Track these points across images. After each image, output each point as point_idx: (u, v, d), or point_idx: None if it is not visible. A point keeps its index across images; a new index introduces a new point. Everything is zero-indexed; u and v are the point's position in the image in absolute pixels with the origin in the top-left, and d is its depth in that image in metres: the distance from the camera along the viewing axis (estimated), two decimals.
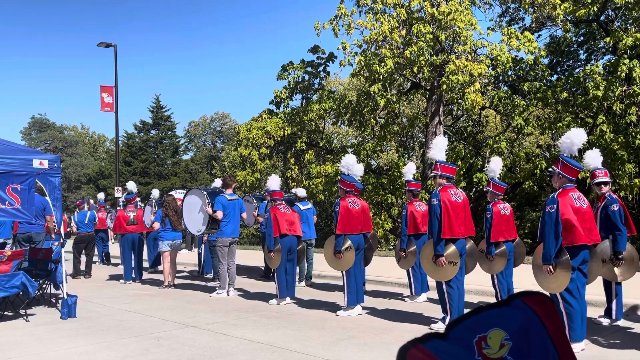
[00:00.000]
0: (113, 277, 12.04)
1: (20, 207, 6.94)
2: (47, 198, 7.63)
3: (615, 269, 5.93)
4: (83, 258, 12.29)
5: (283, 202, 8.41)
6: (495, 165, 7.01)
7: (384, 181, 15.82)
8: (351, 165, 7.31)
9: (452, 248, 5.94)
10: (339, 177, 7.53)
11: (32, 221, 8.16)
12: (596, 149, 6.36)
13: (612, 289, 6.17)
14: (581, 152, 5.69)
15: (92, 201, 13.76)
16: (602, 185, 6.08)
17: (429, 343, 1.08)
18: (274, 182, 8.54)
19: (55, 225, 9.29)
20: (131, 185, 12.17)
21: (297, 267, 9.89)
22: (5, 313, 7.26)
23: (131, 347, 5.54)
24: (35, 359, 5.20)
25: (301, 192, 10.38)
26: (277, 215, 8.04)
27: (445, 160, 6.28)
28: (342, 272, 7.17)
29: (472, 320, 1.14)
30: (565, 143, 5.28)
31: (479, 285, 8.19)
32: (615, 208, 5.86)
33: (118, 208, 12.79)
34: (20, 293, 7.07)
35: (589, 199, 5.86)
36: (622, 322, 6.17)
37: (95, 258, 15.83)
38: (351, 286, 7.07)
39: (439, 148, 6.31)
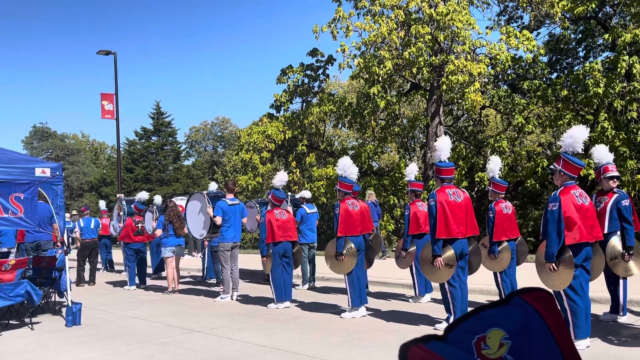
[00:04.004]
0: (117, 284, 12.06)
1: (23, 216, 6.97)
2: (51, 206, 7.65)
3: (630, 263, 5.90)
4: (87, 266, 12.29)
5: (280, 207, 8.36)
6: (495, 165, 7.00)
7: (385, 182, 15.82)
8: (347, 167, 7.33)
9: (450, 252, 5.95)
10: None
11: (35, 229, 8.18)
12: (601, 145, 6.36)
13: (619, 285, 6.16)
14: (587, 149, 5.70)
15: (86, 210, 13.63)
16: (615, 179, 6.10)
17: (430, 344, 1.09)
18: (279, 181, 8.40)
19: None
20: (143, 195, 12.13)
21: (300, 270, 9.92)
22: (11, 322, 7.27)
23: (137, 353, 5.55)
24: None
25: (308, 194, 10.47)
26: (271, 220, 8.01)
27: (442, 161, 6.27)
28: (344, 275, 7.18)
29: (471, 321, 1.15)
30: (567, 140, 5.28)
31: (483, 285, 8.19)
32: (627, 203, 5.89)
33: (118, 204, 12.72)
34: (25, 301, 7.08)
35: (590, 195, 5.86)
36: (627, 319, 6.16)
37: (99, 265, 15.86)
38: (354, 287, 7.07)
39: (443, 149, 6.28)
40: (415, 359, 1.04)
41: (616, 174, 6.13)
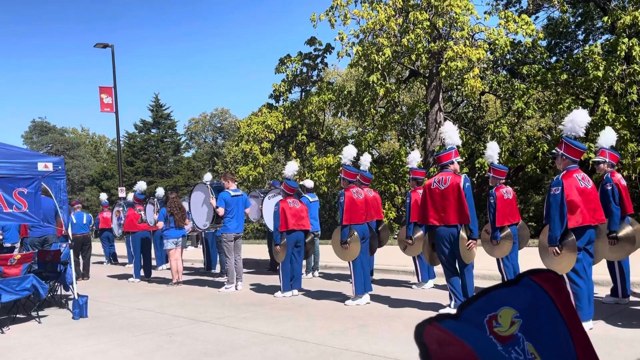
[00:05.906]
0: (122, 277, 12.12)
1: (27, 211, 6.99)
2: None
3: (615, 247, 5.93)
4: (80, 260, 12.18)
5: (293, 196, 8.38)
6: (492, 150, 7.02)
7: (386, 170, 15.84)
8: (352, 156, 7.35)
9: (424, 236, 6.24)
10: (340, 168, 7.53)
11: (40, 224, 8.21)
12: (605, 129, 6.36)
13: (615, 267, 6.20)
14: (587, 133, 5.73)
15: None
16: (596, 165, 6.18)
17: (444, 322, 1.12)
18: (290, 171, 8.37)
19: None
20: (141, 185, 12.16)
21: (305, 260, 9.98)
22: (18, 316, 7.32)
23: (144, 344, 5.61)
24: (50, 359, 5.27)
25: (309, 183, 10.42)
26: (285, 209, 8.04)
27: (439, 150, 6.33)
28: (349, 262, 7.23)
29: (482, 300, 1.18)
30: (568, 125, 5.29)
31: (485, 270, 8.24)
32: (608, 187, 5.90)
33: (118, 208, 12.86)
34: (32, 295, 7.14)
35: (593, 179, 5.89)
36: (629, 300, 6.21)
37: (103, 259, 15.93)
38: (358, 275, 7.12)
39: (450, 131, 6.25)
40: (431, 337, 1.07)
41: (596, 159, 6.21)
